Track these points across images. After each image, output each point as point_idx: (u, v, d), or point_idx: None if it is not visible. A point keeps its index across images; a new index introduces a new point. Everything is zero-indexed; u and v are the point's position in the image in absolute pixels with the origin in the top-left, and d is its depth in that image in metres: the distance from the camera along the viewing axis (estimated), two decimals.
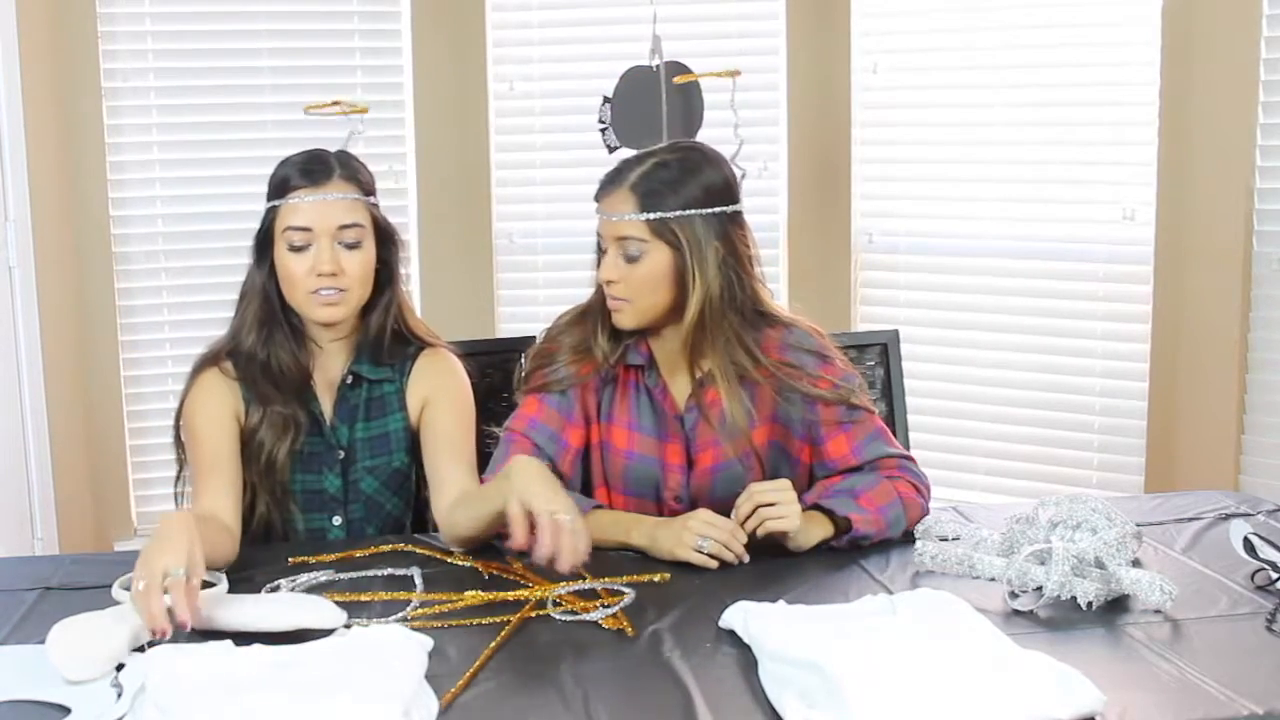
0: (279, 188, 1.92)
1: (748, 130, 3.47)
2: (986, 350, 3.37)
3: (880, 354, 2.40)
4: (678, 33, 3.21)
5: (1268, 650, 1.46)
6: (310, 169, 1.91)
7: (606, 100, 3.03)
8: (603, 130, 3.04)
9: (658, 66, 2.99)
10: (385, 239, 1.97)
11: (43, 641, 1.49)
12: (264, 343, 1.93)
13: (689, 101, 3.02)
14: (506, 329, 3.49)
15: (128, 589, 1.53)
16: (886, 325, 2.89)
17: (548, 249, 3.52)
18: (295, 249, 1.89)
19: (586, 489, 1.97)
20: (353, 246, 1.90)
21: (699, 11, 3.46)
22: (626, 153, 2.27)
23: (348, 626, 1.53)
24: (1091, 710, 1.29)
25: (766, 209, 3.51)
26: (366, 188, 1.95)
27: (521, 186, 3.56)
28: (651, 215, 1.84)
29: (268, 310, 1.94)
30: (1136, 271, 3.16)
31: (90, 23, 3.27)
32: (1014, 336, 3.34)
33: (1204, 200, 3.02)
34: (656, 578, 1.70)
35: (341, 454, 1.96)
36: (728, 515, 1.79)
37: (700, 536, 1.74)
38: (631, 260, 1.85)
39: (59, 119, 3.27)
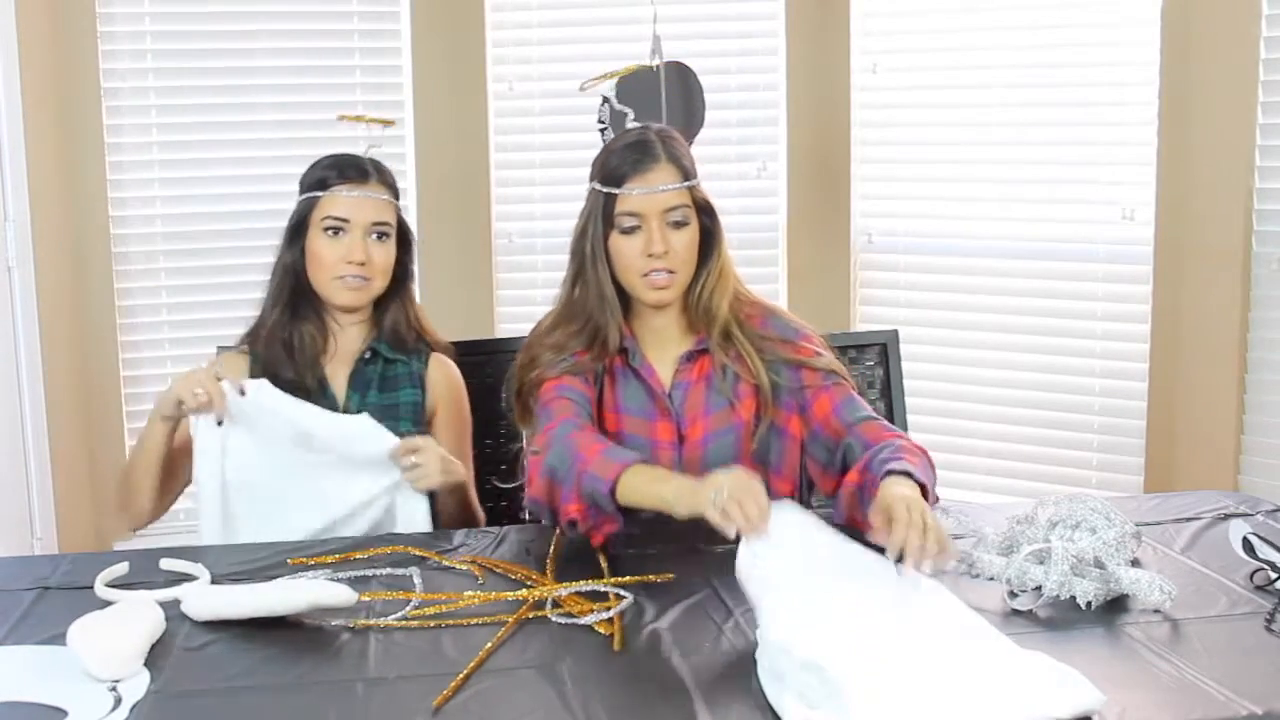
0: (319, 183, 2.10)
1: (749, 130, 3.51)
2: (986, 350, 3.37)
3: (880, 354, 2.41)
4: (678, 33, 3.21)
5: (1267, 650, 1.46)
6: (350, 171, 2.10)
7: (606, 100, 3.03)
8: (602, 130, 3.03)
9: (658, 66, 2.99)
10: (404, 241, 2.16)
11: (41, 642, 1.50)
12: (289, 318, 2.10)
13: (689, 99, 3.02)
14: (505, 329, 3.49)
15: (111, 585, 1.60)
16: (886, 325, 2.89)
17: (547, 249, 3.51)
18: (330, 234, 2.06)
19: None
20: (381, 240, 2.09)
21: (699, 11, 3.46)
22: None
23: (353, 627, 1.54)
24: (1090, 709, 1.28)
25: (766, 209, 3.51)
26: (395, 192, 2.15)
27: (521, 186, 3.56)
28: (691, 183, 1.96)
29: (295, 289, 2.11)
30: (1136, 271, 3.16)
31: (90, 23, 3.27)
32: (1014, 336, 3.34)
33: (1204, 200, 3.02)
34: (658, 578, 1.69)
35: None
36: None
37: (714, 489, 1.60)
38: (678, 229, 1.94)
39: (59, 119, 3.27)
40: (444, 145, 3.48)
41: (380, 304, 2.15)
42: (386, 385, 2.12)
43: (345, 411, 2.08)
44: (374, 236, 2.08)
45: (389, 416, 2.07)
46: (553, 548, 1.80)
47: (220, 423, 1.94)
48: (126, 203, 3.38)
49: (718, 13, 3.50)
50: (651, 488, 1.74)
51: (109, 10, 3.30)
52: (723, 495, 1.58)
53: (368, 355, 2.13)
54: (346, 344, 2.13)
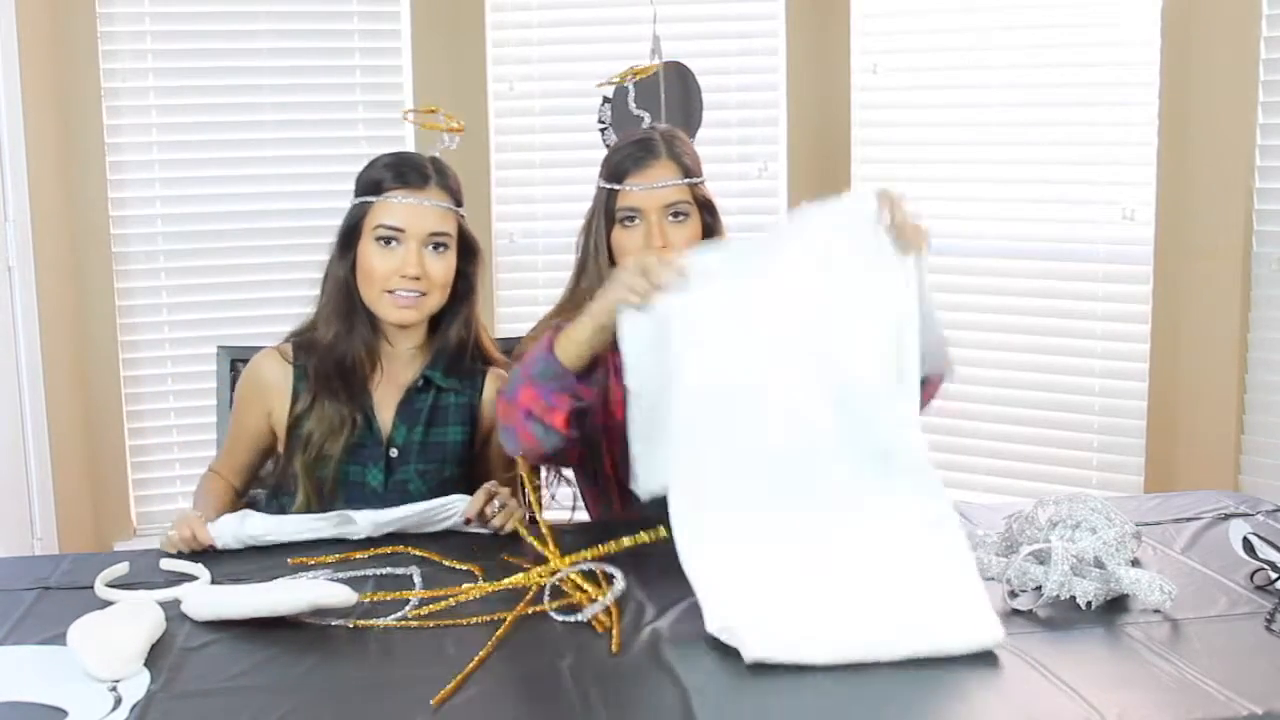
0: (374, 186, 1.96)
1: (749, 130, 3.51)
2: (986, 350, 3.37)
3: None
4: (678, 33, 3.22)
5: (1267, 650, 1.46)
6: (408, 174, 1.95)
7: (606, 100, 3.03)
8: (602, 130, 3.04)
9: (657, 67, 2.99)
10: (468, 251, 2.01)
11: (41, 642, 1.50)
12: (343, 334, 1.97)
13: (688, 99, 3.02)
14: (506, 329, 3.49)
15: (111, 585, 1.62)
16: None
17: (548, 249, 3.52)
18: (383, 244, 1.93)
19: (595, 466, 2.03)
20: (439, 250, 1.95)
21: (699, 11, 3.46)
22: None
23: (353, 627, 1.54)
24: (986, 645, 1.34)
25: (766, 209, 3.50)
26: (458, 198, 2.00)
27: (521, 187, 3.56)
28: (691, 180, 2.01)
29: (348, 303, 1.98)
30: (1136, 271, 3.16)
31: (90, 23, 3.27)
32: (1014, 336, 3.34)
33: (1204, 200, 3.02)
34: (649, 537, 1.66)
35: (395, 452, 2.00)
36: None
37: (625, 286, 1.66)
38: (678, 225, 1.98)
39: (59, 119, 3.27)
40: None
41: (439, 321, 2.01)
42: (435, 419, 2.01)
43: (390, 444, 1.98)
44: (431, 247, 1.93)
45: (434, 458, 2.00)
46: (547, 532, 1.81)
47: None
48: (126, 203, 3.38)
49: (718, 13, 3.50)
50: (581, 325, 1.73)
51: (109, 10, 3.30)
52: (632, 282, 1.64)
53: (419, 383, 2.01)
54: (398, 368, 2.01)
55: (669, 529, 1.59)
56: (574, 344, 1.74)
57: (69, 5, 3.25)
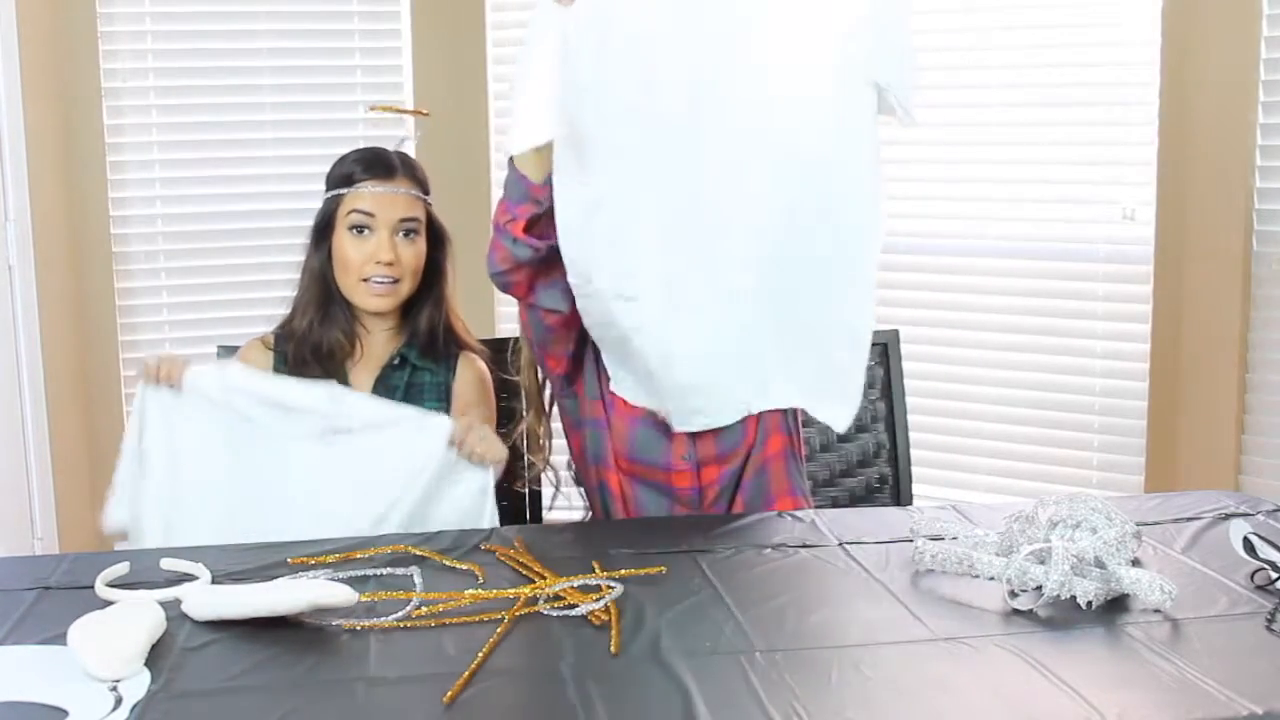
0: (344, 180, 2.05)
1: None
2: (986, 350, 3.37)
3: (880, 354, 2.41)
4: None
5: (1267, 650, 1.46)
6: (376, 166, 2.06)
7: None
8: None
9: None
10: (437, 239, 2.12)
11: (41, 642, 1.50)
12: (319, 322, 2.06)
13: None
14: (506, 329, 3.49)
15: (111, 585, 1.62)
16: (886, 325, 2.89)
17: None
18: (356, 233, 2.01)
19: (598, 465, 2.04)
20: (409, 237, 2.05)
21: None
22: None
23: (353, 628, 1.54)
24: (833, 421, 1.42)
25: None
26: (424, 187, 2.10)
27: None
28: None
29: (324, 293, 2.07)
30: (1136, 271, 3.16)
31: (90, 23, 3.28)
32: (1014, 336, 3.34)
33: (1204, 200, 3.02)
34: (653, 570, 1.69)
35: None
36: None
37: None
38: None
39: (59, 119, 3.27)
40: (444, 145, 3.48)
41: (411, 306, 2.10)
42: (411, 395, 2.08)
43: None
44: (402, 234, 2.03)
45: None
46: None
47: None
48: (127, 202, 3.38)
49: None
50: None
51: (109, 10, 3.31)
52: None
53: (396, 361, 2.09)
54: (374, 348, 2.10)
55: (669, 542, 1.60)
56: (532, 152, 1.83)
57: (69, 5, 3.26)
